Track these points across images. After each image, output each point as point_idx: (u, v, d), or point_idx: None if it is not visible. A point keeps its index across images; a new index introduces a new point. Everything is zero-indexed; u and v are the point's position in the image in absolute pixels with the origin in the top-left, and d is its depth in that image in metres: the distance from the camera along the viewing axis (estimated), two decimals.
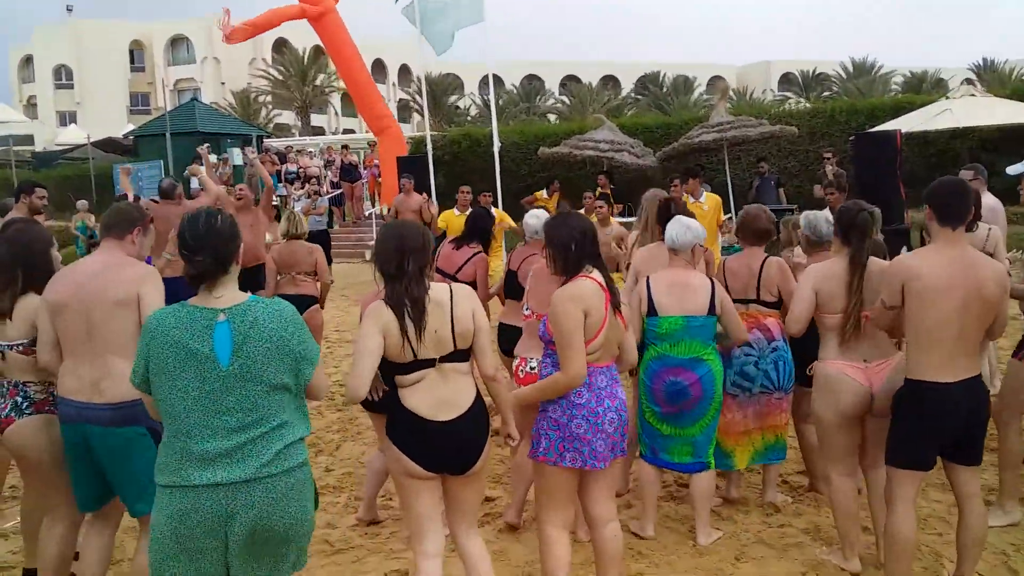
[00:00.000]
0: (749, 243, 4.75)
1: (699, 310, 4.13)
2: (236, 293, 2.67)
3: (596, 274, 3.43)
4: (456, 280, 5.54)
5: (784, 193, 13.52)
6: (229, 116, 32.44)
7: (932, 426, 3.49)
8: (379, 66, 57.74)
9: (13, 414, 3.58)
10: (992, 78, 40.86)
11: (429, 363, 3.16)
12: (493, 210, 10.28)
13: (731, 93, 43.73)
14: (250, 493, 2.52)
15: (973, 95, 14.56)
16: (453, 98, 50.77)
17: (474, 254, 5.80)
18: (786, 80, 62.66)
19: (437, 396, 3.17)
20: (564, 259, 3.46)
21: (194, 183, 19.66)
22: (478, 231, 5.90)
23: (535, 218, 5.26)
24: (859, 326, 3.77)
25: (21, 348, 3.61)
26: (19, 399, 3.61)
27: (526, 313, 4.35)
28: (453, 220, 9.27)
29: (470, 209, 7.94)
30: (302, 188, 20.14)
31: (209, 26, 59.09)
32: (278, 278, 7.03)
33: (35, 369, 3.60)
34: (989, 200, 5.83)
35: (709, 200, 8.54)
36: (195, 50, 60.72)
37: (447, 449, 3.18)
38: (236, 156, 23.67)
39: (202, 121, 24.07)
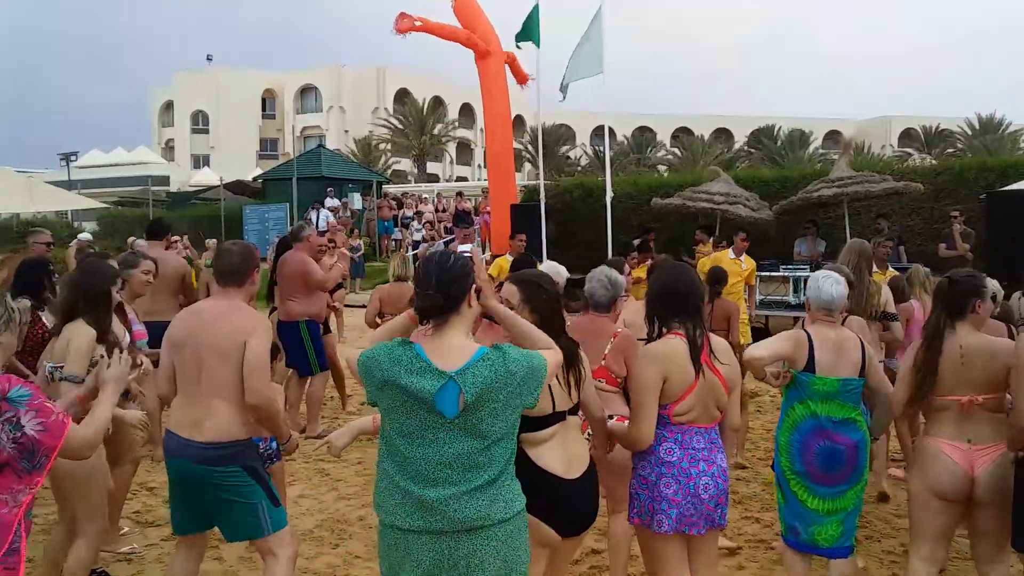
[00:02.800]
0: None
1: (853, 371, 3.82)
2: (465, 344, 2.60)
3: (684, 331, 3.30)
4: None
5: (905, 252, 13.04)
6: (351, 162, 33.78)
7: None
8: None
9: None
10: None
11: (561, 416, 3.06)
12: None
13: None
14: (470, 542, 2.50)
15: None
16: (564, 148, 51.39)
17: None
18: (907, 136, 60.68)
19: (569, 452, 3.06)
20: (650, 314, 3.41)
21: (321, 221, 20.58)
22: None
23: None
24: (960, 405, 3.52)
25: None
26: None
27: None
28: (504, 265, 9.29)
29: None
30: (419, 229, 20.79)
31: (337, 76, 62.17)
32: (383, 317, 7.10)
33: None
34: None
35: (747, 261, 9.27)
36: (322, 99, 63.74)
37: (580, 508, 3.08)
38: (356, 200, 24.63)
39: (327, 167, 25.19)
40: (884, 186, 12.89)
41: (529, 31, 13.82)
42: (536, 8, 13.73)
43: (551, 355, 2.74)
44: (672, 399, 3.23)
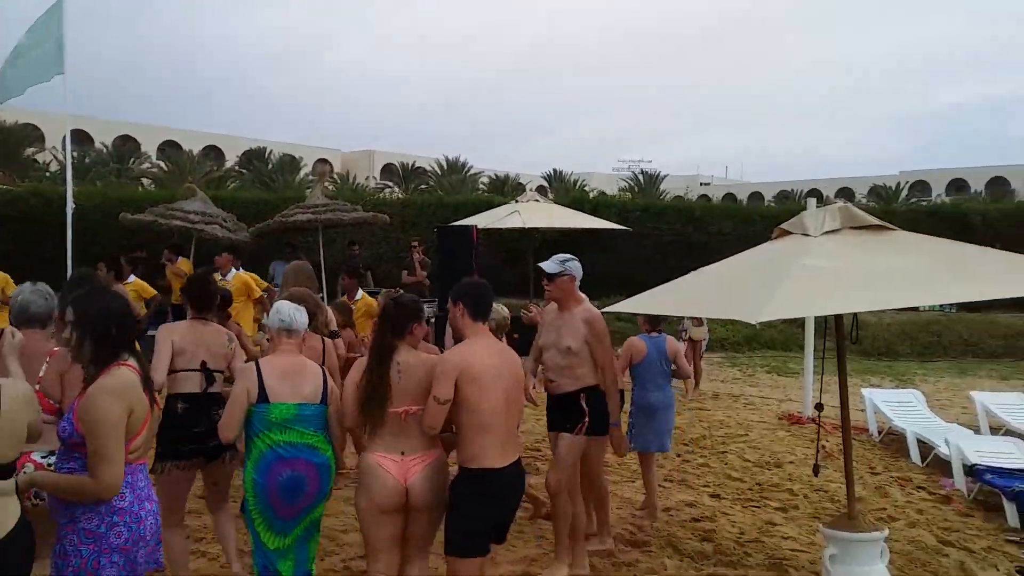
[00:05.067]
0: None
1: (312, 396, 3.84)
2: None
3: (133, 361, 3.06)
4: None
5: (372, 276, 14.13)
6: None
7: (493, 510, 3.74)
8: None
9: None
10: (560, 186, 47.39)
11: None
12: None
13: (335, 177, 45.06)
14: None
15: (537, 200, 16.64)
16: (32, 151, 45.45)
17: None
18: (388, 170, 66.09)
19: None
20: (99, 344, 3.00)
21: None
22: None
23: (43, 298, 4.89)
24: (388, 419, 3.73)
25: None
26: None
27: None
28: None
29: None
30: None
31: None
32: None
33: None
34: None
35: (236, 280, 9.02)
36: None
37: None
38: None
39: None
40: (354, 215, 13.90)
41: None
42: None
43: None
44: (130, 435, 2.95)
